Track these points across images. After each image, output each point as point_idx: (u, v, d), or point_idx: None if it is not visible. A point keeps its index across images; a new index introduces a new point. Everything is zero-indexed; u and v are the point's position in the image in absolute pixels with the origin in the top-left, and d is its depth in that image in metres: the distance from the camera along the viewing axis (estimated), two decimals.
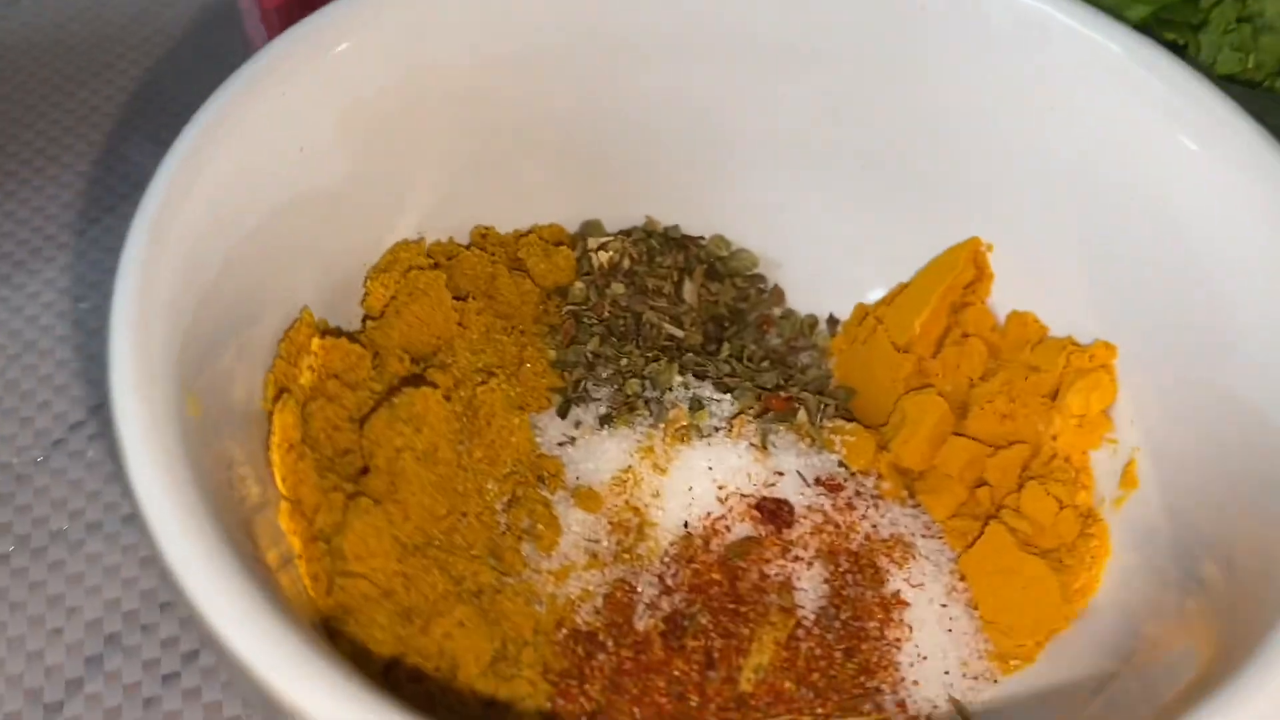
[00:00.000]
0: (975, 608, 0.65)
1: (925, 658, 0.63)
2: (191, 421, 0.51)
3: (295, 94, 0.62)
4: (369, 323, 0.68)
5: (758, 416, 0.69)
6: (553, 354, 0.72)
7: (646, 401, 0.69)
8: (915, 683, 0.62)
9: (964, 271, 0.73)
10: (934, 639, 0.63)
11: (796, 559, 0.63)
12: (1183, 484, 0.61)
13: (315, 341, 0.62)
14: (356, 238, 0.69)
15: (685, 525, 0.65)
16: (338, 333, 0.65)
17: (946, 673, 0.63)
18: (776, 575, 0.63)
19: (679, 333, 0.74)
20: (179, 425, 0.49)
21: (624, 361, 0.70)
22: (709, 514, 0.65)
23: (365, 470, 0.60)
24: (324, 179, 0.65)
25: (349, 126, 0.66)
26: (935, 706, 0.62)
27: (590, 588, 0.63)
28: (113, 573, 0.73)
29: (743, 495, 0.65)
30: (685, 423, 0.66)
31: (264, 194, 0.61)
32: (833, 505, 0.66)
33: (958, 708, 0.62)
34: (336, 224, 0.67)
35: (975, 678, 0.64)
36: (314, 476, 0.58)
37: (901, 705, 0.61)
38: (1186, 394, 0.61)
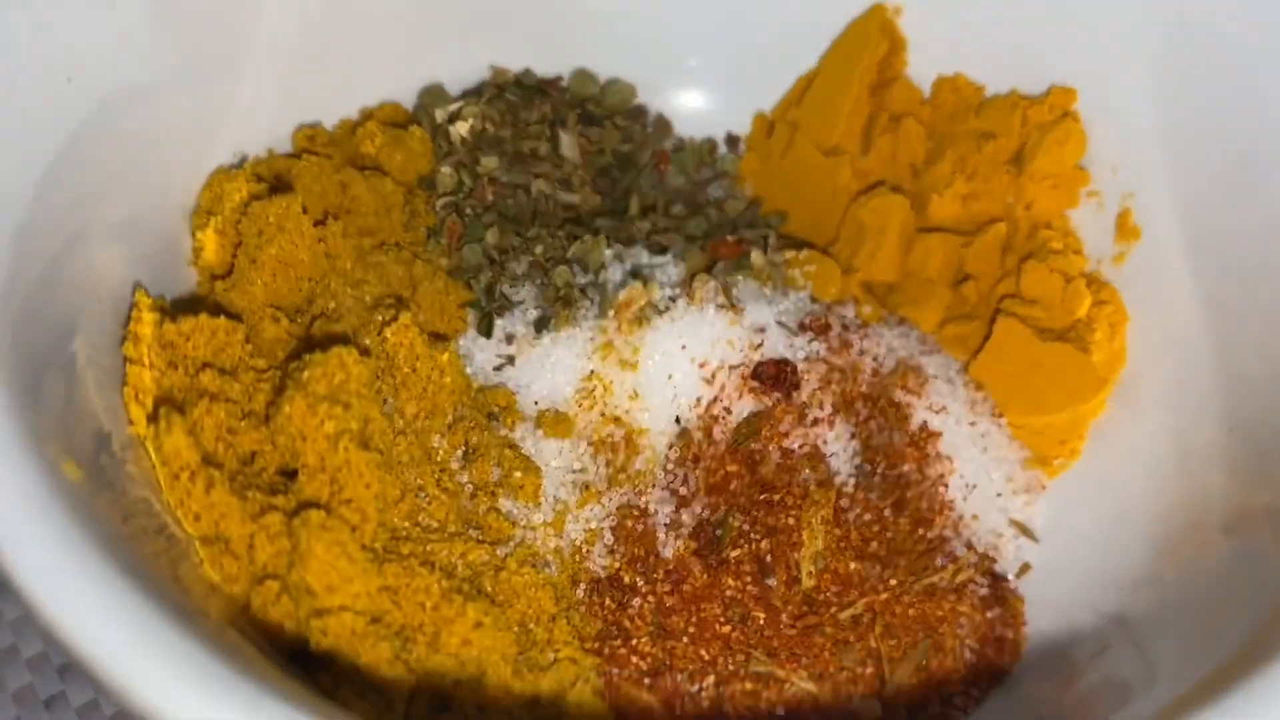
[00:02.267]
0: (1000, 415, 0.58)
1: (974, 486, 0.56)
2: (73, 489, 0.36)
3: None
4: (218, 284, 0.52)
5: (707, 270, 0.58)
6: (444, 261, 0.58)
7: (582, 290, 0.56)
8: (974, 517, 0.55)
9: (877, 46, 0.63)
10: (974, 462, 0.56)
11: (815, 422, 0.54)
12: (1201, 224, 0.55)
13: (168, 328, 0.47)
14: (165, 176, 0.53)
15: (678, 421, 0.54)
16: (190, 307, 0.49)
17: (999, 495, 0.56)
18: (801, 447, 0.53)
19: (573, 198, 0.62)
20: (61, 503, 0.35)
21: (539, 249, 0.57)
22: (699, 400, 0.54)
23: (289, 473, 0.46)
24: (113, 102, 0.48)
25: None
26: (1000, 535, 0.55)
27: (594, 525, 0.52)
28: None
29: (732, 367, 0.54)
30: (642, 302, 0.55)
31: (36, 149, 0.45)
32: (829, 349, 0.56)
33: (1021, 529, 0.56)
34: (139, 163, 0.51)
35: (1027, 490, 0.57)
36: (235, 504, 0.43)
37: (970, 547, 0.54)
38: (1188, 129, 0.54)
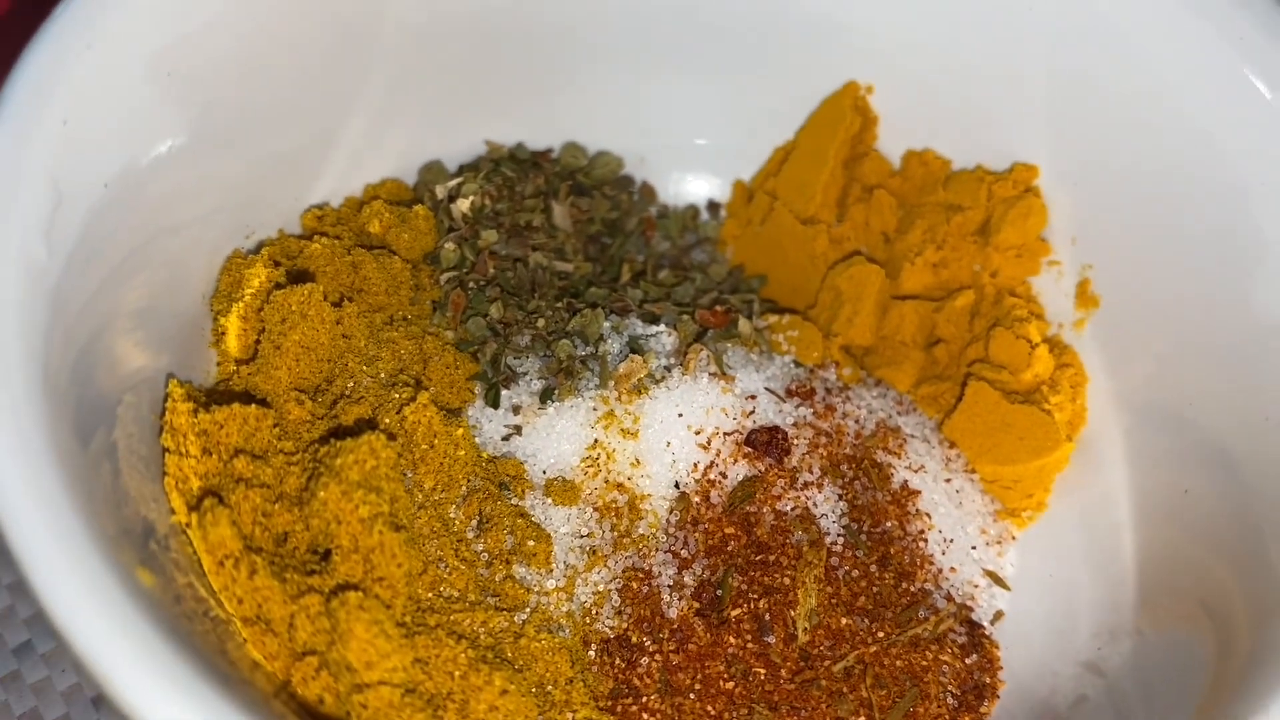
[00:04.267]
0: (972, 470, 0.63)
1: (951, 540, 0.60)
2: (148, 591, 0.39)
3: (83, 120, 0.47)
4: (242, 369, 0.54)
5: (698, 339, 0.62)
6: (450, 335, 0.61)
7: (583, 361, 0.60)
8: (952, 569, 0.59)
9: (851, 122, 0.67)
10: (950, 517, 0.60)
11: (806, 485, 0.58)
12: (1154, 292, 0.59)
13: (202, 417, 0.49)
14: (183, 259, 0.55)
15: (677, 486, 0.58)
16: (223, 396, 0.52)
17: (974, 547, 0.60)
18: (793, 509, 0.57)
19: (568, 267, 0.65)
20: (141, 611, 0.37)
21: (541, 322, 0.61)
22: (696, 465, 0.58)
23: (322, 553, 0.49)
24: (130, 186, 0.50)
25: (167, 96, 0.51)
26: (975, 585, 0.60)
27: (602, 588, 0.56)
28: None
29: (726, 434, 0.58)
30: (641, 374, 0.58)
31: (73, 249, 0.47)
32: (814, 414, 0.60)
33: (994, 579, 0.60)
34: (157, 247, 0.53)
35: (999, 541, 0.61)
36: (276, 587, 0.46)
37: (949, 598, 0.58)
38: (1141, 205, 0.59)
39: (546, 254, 0.65)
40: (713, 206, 0.73)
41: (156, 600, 0.40)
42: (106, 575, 0.37)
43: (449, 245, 0.63)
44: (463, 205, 0.64)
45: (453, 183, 0.65)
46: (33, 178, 0.44)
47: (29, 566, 0.37)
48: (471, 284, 0.62)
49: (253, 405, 0.51)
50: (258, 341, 0.54)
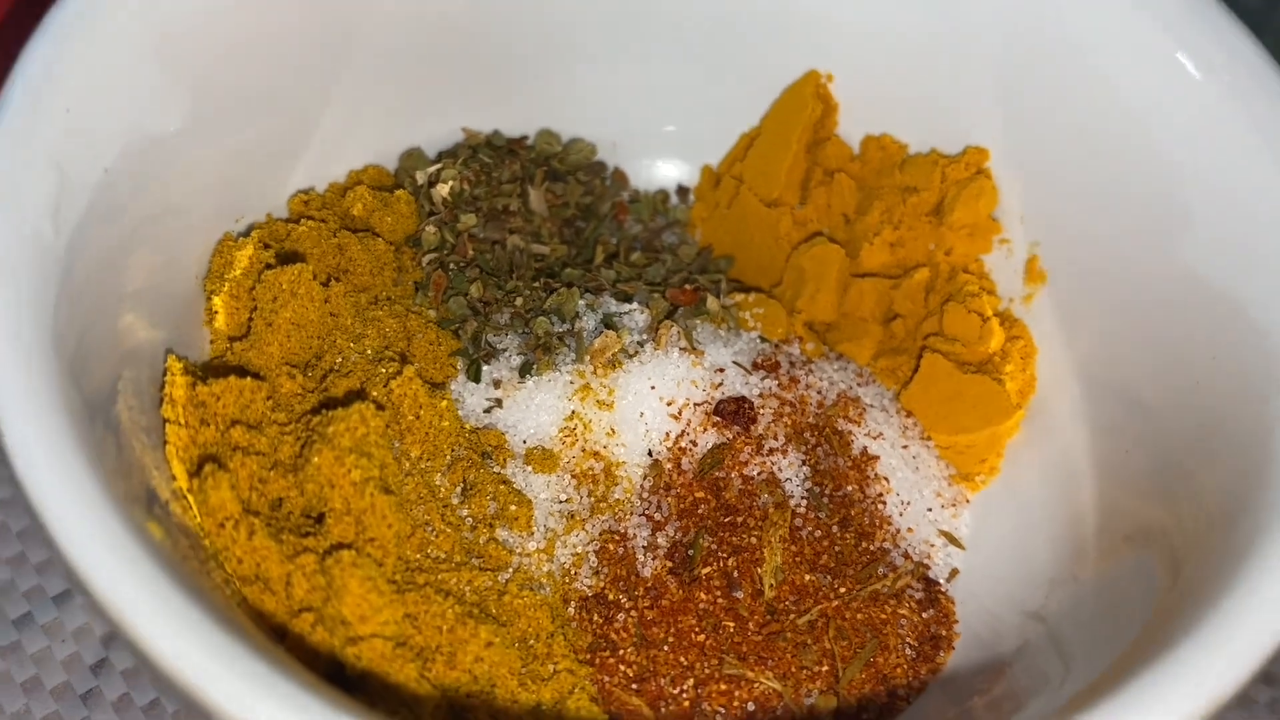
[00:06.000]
0: (928, 437, 0.66)
1: (908, 503, 0.63)
2: (159, 546, 0.42)
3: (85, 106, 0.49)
4: (236, 345, 0.57)
5: (669, 316, 0.65)
6: (432, 314, 0.64)
7: (560, 337, 0.63)
8: (909, 530, 0.63)
9: (812, 109, 0.70)
10: (907, 481, 0.64)
11: (771, 451, 0.61)
12: (1098, 268, 0.63)
13: (200, 389, 0.52)
14: (178, 242, 0.58)
15: (650, 454, 0.61)
16: (219, 370, 0.55)
17: (929, 509, 0.64)
18: (759, 474, 0.61)
19: (544, 249, 0.68)
20: (158, 563, 0.40)
21: (519, 301, 0.64)
22: (668, 434, 0.61)
23: (315, 517, 0.52)
24: (141, 182, 0.53)
25: (173, 82, 0.54)
26: (932, 545, 0.63)
27: (580, 549, 0.59)
28: None
29: (696, 405, 0.62)
30: (615, 349, 0.61)
31: (75, 233, 0.49)
32: (779, 385, 0.64)
33: (950, 539, 0.64)
34: (160, 236, 0.55)
35: (953, 504, 0.65)
36: (273, 548, 0.49)
37: (907, 557, 0.62)
38: (1082, 185, 0.63)
39: (523, 237, 0.68)
40: (682, 191, 0.77)
41: (166, 554, 0.43)
42: (122, 529, 0.40)
43: (430, 228, 0.66)
44: (442, 190, 0.67)
45: (432, 169, 0.68)
46: (39, 162, 0.46)
47: (46, 519, 0.39)
48: (452, 265, 0.65)
49: (248, 378, 0.54)
50: (249, 319, 0.57)
